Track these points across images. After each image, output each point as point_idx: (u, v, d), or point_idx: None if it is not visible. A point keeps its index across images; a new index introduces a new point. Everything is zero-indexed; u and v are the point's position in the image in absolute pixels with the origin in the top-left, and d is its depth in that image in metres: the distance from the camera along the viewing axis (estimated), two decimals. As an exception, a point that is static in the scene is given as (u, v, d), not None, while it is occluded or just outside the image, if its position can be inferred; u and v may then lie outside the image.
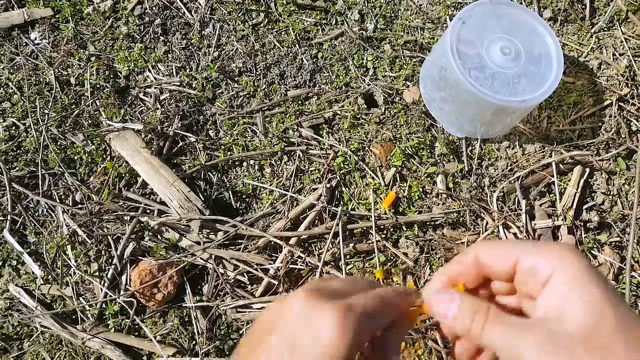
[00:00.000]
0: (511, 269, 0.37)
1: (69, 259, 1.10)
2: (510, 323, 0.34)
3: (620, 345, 0.31)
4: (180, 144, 1.18)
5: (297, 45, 1.26)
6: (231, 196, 1.16)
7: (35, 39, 1.28)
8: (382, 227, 1.12)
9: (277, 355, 0.34)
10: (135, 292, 1.06)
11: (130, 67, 1.25)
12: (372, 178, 1.15)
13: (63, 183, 1.16)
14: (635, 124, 1.22)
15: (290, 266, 1.09)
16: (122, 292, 1.07)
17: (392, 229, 1.12)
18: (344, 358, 0.33)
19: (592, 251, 1.13)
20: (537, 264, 0.35)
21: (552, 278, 0.34)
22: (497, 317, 0.35)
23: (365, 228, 1.11)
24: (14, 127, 1.20)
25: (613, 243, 1.14)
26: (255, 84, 1.23)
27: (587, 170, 1.18)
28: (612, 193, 1.18)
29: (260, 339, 0.35)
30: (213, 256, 1.09)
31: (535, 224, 1.13)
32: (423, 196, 1.15)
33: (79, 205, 1.14)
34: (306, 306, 0.35)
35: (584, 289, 0.33)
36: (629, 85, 1.24)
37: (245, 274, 1.09)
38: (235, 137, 1.19)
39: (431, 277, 0.44)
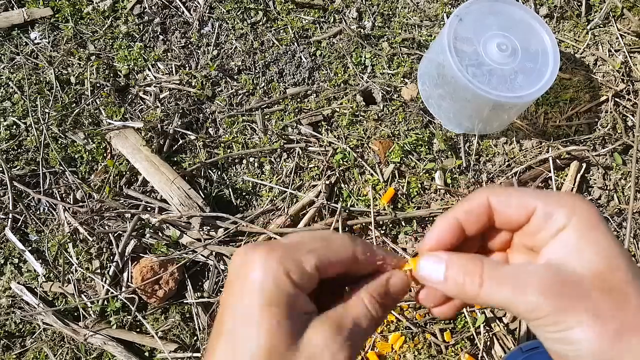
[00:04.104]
0: (524, 219, 0.35)
1: (71, 257, 1.11)
2: (510, 274, 0.32)
3: (635, 293, 0.30)
4: (180, 142, 1.19)
5: (295, 44, 1.27)
6: (231, 193, 1.16)
7: (35, 38, 1.28)
8: (381, 222, 1.13)
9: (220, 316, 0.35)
10: (136, 289, 1.07)
11: (130, 66, 1.25)
12: (371, 174, 1.16)
13: (64, 181, 1.17)
14: (631, 119, 1.24)
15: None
16: (123, 289, 1.08)
17: (391, 225, 1.13)
18: (272, 291, 0.32)
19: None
20: (554, 213, 0.33)
21: (565, 228, 0.33)
22: (494, 270, 0.33)
23: (364, 224, 1.12)
24: (14, 126, 1.21)
25: (610, 237, 1.15)
26: (254, 82, 1.24)
27: (584, 165, 1.19)
28: (608, 188, 1.19)
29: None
30: (214, 253, 1.10)
31: (532, 219, 1.14)
32: (421, 192, 1.16)
33: (80, 203, 1.15)
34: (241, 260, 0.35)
35: (596, 239, 0.32)
36: (625, 81, 1.26)
37: (245, 270, 1.10)
38: (235, 135, 1.20)
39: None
